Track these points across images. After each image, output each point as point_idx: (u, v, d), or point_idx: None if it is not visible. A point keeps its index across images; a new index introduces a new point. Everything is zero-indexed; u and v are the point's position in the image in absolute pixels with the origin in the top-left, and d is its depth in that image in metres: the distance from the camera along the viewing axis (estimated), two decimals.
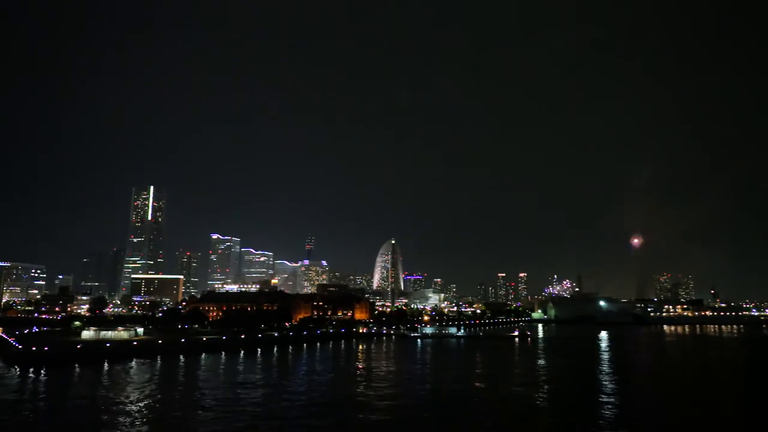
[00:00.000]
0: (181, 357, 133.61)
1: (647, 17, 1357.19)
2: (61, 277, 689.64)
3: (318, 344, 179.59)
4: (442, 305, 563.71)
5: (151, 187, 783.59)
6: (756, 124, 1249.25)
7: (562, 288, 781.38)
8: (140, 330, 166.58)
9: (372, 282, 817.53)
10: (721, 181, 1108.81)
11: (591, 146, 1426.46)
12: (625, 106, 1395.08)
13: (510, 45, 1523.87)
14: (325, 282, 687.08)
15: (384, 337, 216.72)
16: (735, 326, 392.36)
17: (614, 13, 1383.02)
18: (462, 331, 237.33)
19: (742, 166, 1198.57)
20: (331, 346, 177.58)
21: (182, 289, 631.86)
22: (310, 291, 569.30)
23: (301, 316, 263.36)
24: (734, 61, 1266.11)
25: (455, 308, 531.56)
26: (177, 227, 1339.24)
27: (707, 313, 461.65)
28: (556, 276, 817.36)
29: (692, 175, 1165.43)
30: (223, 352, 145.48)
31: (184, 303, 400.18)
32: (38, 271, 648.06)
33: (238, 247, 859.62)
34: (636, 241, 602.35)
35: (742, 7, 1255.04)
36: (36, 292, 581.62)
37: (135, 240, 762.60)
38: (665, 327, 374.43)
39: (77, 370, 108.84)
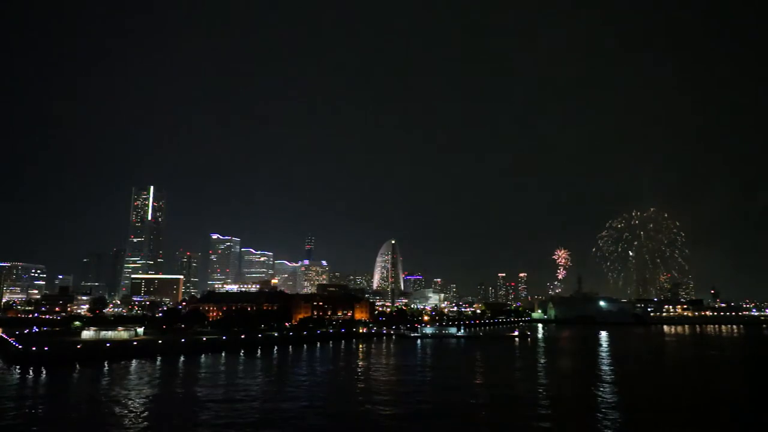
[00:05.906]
0: (181, 357, 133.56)
1: (651, 16, 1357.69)
2: (61, 277, 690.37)
3: (318, 344, 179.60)
4: (442, 305, 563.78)
5: (151, 187, 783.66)
6: (757, 123, 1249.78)
7: (562, 288, 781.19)
8: (140, 330, 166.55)
9: (372, 282, 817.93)
10: (722, 180, 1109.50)
11: (592, 147, 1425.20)
12: (627, 108, 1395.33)
13: (511, 43, 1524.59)
14: (325, 282, 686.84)
15: (384, 337, 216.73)
16: (735, 326, 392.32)
17: (616, 12, 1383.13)
18: (462, 331, 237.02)
19: (742, 166, 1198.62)
20: (331, 346, 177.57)
21: (182, 289, 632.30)
22: (310, 291, 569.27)
23: (301, 316, 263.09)
24: (737, 62, 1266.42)
25: (455, 308, 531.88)
26: (177, 227, 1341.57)
27: (707, 313, 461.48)
28: (556, 276, 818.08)
29: (693, 175, 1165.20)
30: (223, 352, 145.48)
31: (184, 303, 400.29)
32: (38, 271, 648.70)
33: (238, 247, 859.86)
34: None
35: (743, 7, 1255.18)
36: (36, 292, 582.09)
37: (135, 240, 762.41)
38: (665, 327, 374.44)
39: (77, 370, 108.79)
